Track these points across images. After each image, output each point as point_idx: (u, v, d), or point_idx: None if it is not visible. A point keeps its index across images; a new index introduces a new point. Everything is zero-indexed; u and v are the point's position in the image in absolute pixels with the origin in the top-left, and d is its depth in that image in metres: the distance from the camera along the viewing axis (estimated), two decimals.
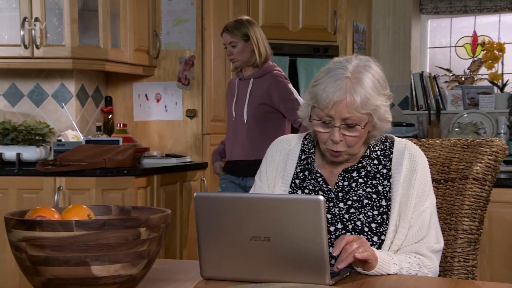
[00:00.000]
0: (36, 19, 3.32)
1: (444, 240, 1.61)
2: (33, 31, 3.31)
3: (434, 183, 1.68)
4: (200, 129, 3.80)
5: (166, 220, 1.21)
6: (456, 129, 4.34)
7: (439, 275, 1.60)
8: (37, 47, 3.33)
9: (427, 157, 1.67)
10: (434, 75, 4.83)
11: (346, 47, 4.18)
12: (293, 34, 4.04)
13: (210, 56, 3.76)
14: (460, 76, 4.89)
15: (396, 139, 1.63)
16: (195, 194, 1.35)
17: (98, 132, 3.55)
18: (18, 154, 3.28)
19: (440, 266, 1.61)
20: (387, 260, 1.44)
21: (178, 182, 3.57)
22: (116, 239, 1.11)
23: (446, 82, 4.92)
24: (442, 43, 5.08)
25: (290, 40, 4.03)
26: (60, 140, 3.43)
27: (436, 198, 1.66)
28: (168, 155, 3.74)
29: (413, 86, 4.80)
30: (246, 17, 3.29)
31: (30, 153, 3.31)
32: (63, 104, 3.63)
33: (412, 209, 1.53)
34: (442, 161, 1.70)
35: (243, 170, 3.17)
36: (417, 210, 1.53)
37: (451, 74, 4.91)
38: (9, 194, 3.14)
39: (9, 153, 3.29)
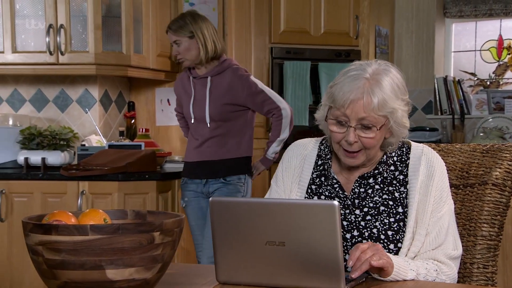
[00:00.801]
0: (61, 26, 3.38)
1: (463, 246, 1.59)
2: (58, 38, 3.38)
3: (453, 188, 1.66)
4: None
5: (180, 224, 1.22)
6: (481, 134, 4.28)
7: (458, 281, 1.59)
8: (62, 54, 3.39)
9: (445, 162, 1.66)
10: (458, 79, 4.77)
11: (368, 51, 4.16)
12: (314, 39, 4.03)
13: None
14: (485, 80, 4.83)
15: (413, 144, 1.61)
16: (210, 198, 1.36)
17: (121, 137, 3.60)
18: (43, 159, 3.33)
19: (459, 272, 1.59)
20: (404, 266, 1.43)
21: None
22: (130, 243, 1.12)
23: (470, 86, 4.86)
24: (467, 47, 5.02)
25: (311, 44, 4.02)
26: (84, 145, 3.48)
27: (455, 204, 1.64)
28: None
29: (436, 91, 4.75)
30: (190, 11, 3.05)
31: (55, 157, 3.36)
32: (87, 109, 3.68)
33: (429, 215, 1.51)
34: (461, 167, 1.68)
35: (207, 171, 2.96)
36: (434, 217, 1.51)
37: (476, 78, 4.85)
38: (34, 198, 3.19)
39: (35, 157, 3.35)
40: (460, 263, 1.59)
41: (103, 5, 3.45)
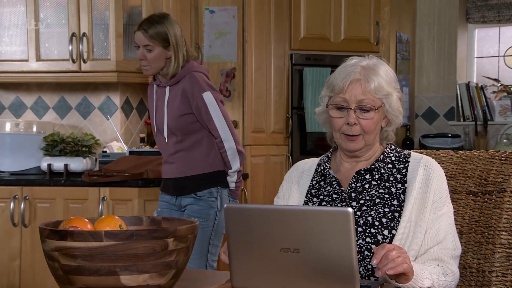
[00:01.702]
0: (84, 34, 3.43)
1: (481, 254, 1.59)
2: (80, 46, 3.43)
3: (471, 195, 1.65)
4: (241, 140, 3.82)
5: (194, 231, 1.23)
6: (504, 141, 4.22)
7: None
8: (84, 61, 3.45)
9: (464, 169, 1.65)
10: (481, 85, 4.72)
11: (389, 57, 4.14)
12: (334, 45, 4.03)
13: (251, 68, 3.79)
14: (509, 86, 4.76)
15: (413, 153, 1.67)
16: (225, 205, 1.37)
17: (142, 144, 3.63)
18: (66, 165, 3.38)
19: (478, 280, 1.59)
20: (420, 274, 1.45)
21: None
22: (144, 250, 1.14)
23: (494, 92, 4.81)
24: (490, 52, 4.96)
25: (331, 51, 4.02)
26: (105, 152, 3.52)
27: (473, 211, 1.63)
28: None
29: (459, 97, 4.70)
30: (164, 14, 2.70)
31: (77, 164, 3.41)
32: (108, 116, 3.73)
33: (429, 211, 1.54)
34: (480, 174, 1.67)
35: (177, 189, 2.72)
36: (434, 214, 1.55)
37: (499, 84, 4.79)
38: (56, 204, 3.24)
39: (57, 164, 3.40)
40: (479, 271, 1.58)
41: (125, 13, 3.50)
